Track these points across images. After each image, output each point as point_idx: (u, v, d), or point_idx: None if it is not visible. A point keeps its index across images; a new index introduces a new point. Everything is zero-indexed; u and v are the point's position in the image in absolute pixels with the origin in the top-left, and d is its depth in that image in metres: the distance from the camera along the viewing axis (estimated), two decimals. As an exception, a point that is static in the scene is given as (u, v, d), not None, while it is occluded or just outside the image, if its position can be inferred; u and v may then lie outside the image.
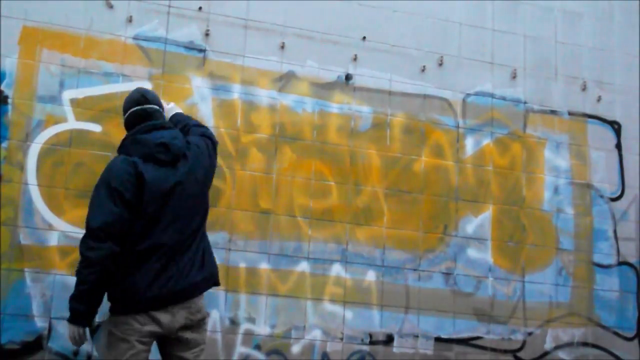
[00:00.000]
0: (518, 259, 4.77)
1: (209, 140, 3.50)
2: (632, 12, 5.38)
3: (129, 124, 3.33)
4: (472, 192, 4.77)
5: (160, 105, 3.42)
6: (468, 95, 4.89)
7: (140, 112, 3.30)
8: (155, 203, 3.06)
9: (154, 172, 3.08)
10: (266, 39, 4.56)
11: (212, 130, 4.33)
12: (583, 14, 5.26)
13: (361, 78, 4.70)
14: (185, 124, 3.63)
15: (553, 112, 5.06)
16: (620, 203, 5.05)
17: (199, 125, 3.67)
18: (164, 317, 3.06)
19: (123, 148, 3.23)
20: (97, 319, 3.99)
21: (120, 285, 3.04)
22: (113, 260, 2.97)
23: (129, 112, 3.34)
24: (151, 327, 3.05)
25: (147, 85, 4.28)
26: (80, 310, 3.02)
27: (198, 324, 3.22)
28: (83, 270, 2.97)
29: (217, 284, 3.36)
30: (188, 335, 3.17)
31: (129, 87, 4.23)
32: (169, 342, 3.19)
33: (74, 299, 3.03)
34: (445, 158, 4.77)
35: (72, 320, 3.06)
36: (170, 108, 3.80)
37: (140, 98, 3.33)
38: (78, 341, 3.10)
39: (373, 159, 4.63)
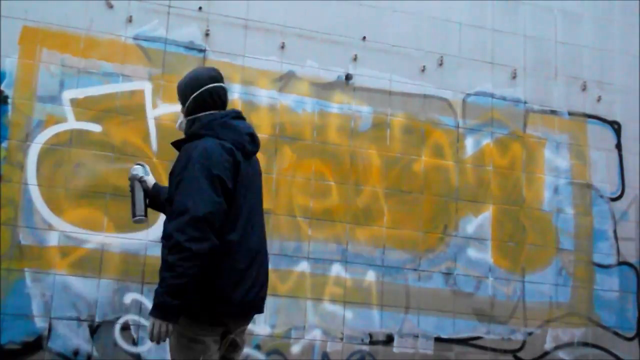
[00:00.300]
0: (518, 259, 4.77)
1: None
2: (632, 12, 5.38)
3: (200, 103, 2.87)
4: (472, 192, 4.77)
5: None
6: (468, 95, 4.89)
7: (219, 89, 2.89)
8: (239, 197, 2.77)
9: (244, 163, 2.80)
10: (266, 39, 4.56)
11: (212, 130, 4.34)
12: (583, 14, 5.26)
13: (361, 78, 4.70)
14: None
15: (553, 112, 5.06)
16: (620, 203, 5.05)
17: None
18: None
19: (211, 130, 2.82)
20: (98, 318, 4.00)
21: (208, 287, 2.74)
22: (211, 255, 2.66)
23: (204, 88, 2.87)
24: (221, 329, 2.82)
25: (147, 85, 4.29)
26: (175, 305, 2.65)
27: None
28: (183, 263, 2.60)
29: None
30: (239, 338, 2.91)
31: (129, 87, 4.25)
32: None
33: (167, 294, 2.65)
34: (445, 158, 4.77)
35: (162, 316, 2.68)
36: (151, 179, 3.30)
37: (216, 75, 2.93)
38: (163, 338, 2.75)
39: (373, 159, 4.63)
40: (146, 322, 4.06)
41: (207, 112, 2.88)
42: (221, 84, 2.92)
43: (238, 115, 2.93)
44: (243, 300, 2.74)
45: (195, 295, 2.70)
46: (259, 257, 2.82)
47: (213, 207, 2.63)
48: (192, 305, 2.73)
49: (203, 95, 2.88)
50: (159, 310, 2.66)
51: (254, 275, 2.77)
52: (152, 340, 2.73)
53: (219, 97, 2.90)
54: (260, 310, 2.90)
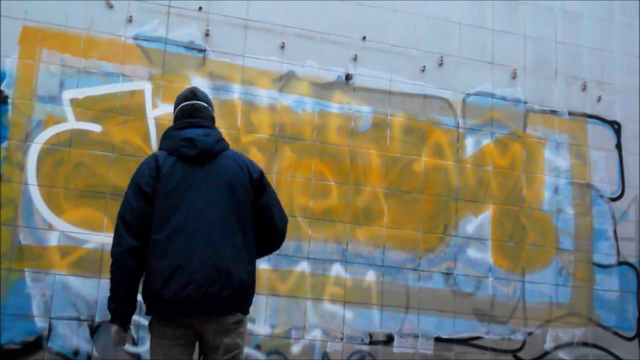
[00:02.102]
0: (518, 259, 4.77)
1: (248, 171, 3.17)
2: (632, 12, 5.38)
3: (176, 121, 3.18)
4: (472, 192, 4.77)
5: (210, 103, 3.27)
6: (468, 95, 4.89)
7: (188, 107, 3.15)
8: (167, 198, 2.92)
9: (173, 167, 2.96)
10: (266, 39, 4.56)
11: (212, 130, 4.34)
12: (583, 14, 5.26)
13: (361, 78, 4.70)
14: None
15: (553, 112, 5.06)
16: (620, 203, 5.05)
17: None
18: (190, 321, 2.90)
19: (160, 143, 3.17)
20: (98, 318, 3.99)
21: (144, 285, 2.93)
22: (134, 256, 2.87)
23: (177, 107, 3.19)
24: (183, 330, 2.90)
25: (147, 85, 4.29)
26: (112, 308, 2.97)
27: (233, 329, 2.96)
28: (110, 268, 2.95)
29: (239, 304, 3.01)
30: (216, 339, 2.91)
31: (129, 87, 4.25)
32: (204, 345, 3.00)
33: (108, 298, 2.98)
34: (445, 158, 4.77)
35: (111, 319, 2.99)
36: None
37: (188, 94, 3.21)
38: (117, 340, 2.98)
39: (373, 159, 4.63)
40: (147, 322, 4.07)
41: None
42: (192, 102, 3.17)
43: (189, 125, 3.09)
44: (176, 297, 2.80)
45: (129, 296, 2.93)
46: (200, 255, 2.84)
47: (126, 212, 2.92)
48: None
49: (177, 114, 3.19)
50: (109, 314, 2.98)
51: (190, 273, 2.81)
52: (113, 343, 3.01)
53: (189, 114, 3.14)
54: (217, 307, 2.86)
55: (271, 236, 3.19)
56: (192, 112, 3.15)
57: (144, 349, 4.04)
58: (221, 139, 3.13)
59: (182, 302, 2.81)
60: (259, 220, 3.08)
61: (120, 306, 2.95)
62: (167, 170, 2.96)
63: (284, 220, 3.23)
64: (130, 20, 4.31)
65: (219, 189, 2.99)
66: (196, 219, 2.91)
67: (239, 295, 2.91)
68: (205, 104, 3.22)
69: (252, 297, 3.04)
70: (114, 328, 2.97)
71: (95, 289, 4.02)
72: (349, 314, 4.40)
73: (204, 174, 3.00)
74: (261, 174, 3.15)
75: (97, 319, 4.00)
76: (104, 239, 4.07)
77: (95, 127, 4.17)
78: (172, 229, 2.88)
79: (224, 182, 3.01)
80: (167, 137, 3.10)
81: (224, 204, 2.98)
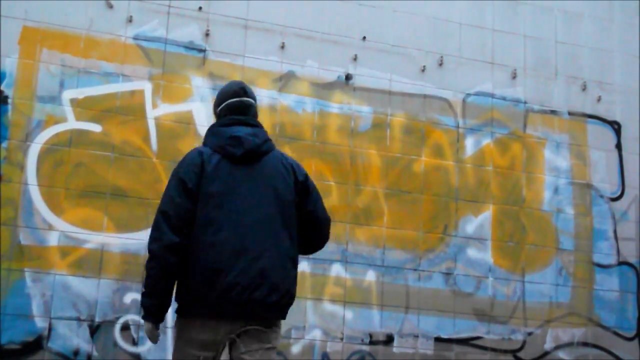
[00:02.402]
0: (518, 259, 4.77)
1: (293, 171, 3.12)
2: (632, 12, 5.38)
3: (221, 117, 3.06)
4: (472, 192, 4.77)
5: (256, 101, 3.19)
6: (468, 95, 4.89)
7: (236, 104, 3.05)
8: (211, 198, 2.82)
9: (217, 165, 2.86)
10: (266, 39, 4.56)
11: (212, 130, 4.34)
12: (583, 14, 5.26)
13: (361, 78, 4.70)
14: None
15: (553, 112, 5.06)
16: (620, 203, 5.05)
17: None
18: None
19: (204, 139, 3.03)
20: (98, 318, 3.99)
21: (182, 285, 2.82)
22: (174, 252, 2.75)
23: (224, 103, 3.05)
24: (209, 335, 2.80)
25: (147, 85, 4.28)
26: (147, 304, 2.83)
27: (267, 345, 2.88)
28: (147, 264, 2.79)
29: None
30: (248, 355, 2.81)
31: (129, 87, 4.25)
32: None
33: (143, 294, 2.84)
34: (445, 158, 4.77)
35: (144, 316, 2.86)
36: None
37: (239, 90, 3.08)
38: (150, 337, 2.89)
39: (373, 159, 4.63)
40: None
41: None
42: (241, 99, 3.06)
43: (237, 122, 2.98)
44: (220, 300, 2.71)
45: (165, 293, 2.80)
46: (245, 258, 2.75)
47: (168, 207, 2.77)
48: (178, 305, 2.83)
49: (222, 110, 3.06)
50: (142, 311, 2.84)
51: (235, 275, 2.72)
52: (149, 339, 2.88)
53: (237, 112, 3.03)
54: (261, 312, 2.79)
55: (317, 239, 3.11)
56: (241, 109, 3.04)
57: (144, 349, 4.04)
58: (268, 139, 3.01)
59: (226, 305, 2.72)
60: (304, 223, 2.99)
61: (155, 303, 2.82)
62: (212, 168, 2.84)
63: (328, 223, 3.12)
64: (130, 20, 4.31)
65: (265, 191, 2.90)
66: (241, 220, 2.82)
67: (285, 301, 2.84)
68: (254, 102, 3.12)
69: (292, 303, 2.95)
70: (148, 325, 2.85)
71: (95, 289, 4.02)
72: (349, 314, 4.40)
73: (250, 175, 2.90)
74: (306, 177, 3.05)
75: (97, 319, 4.00)
76: (104, 239, 4.08)
77: (95, 127, 4.17)
78: (216, 230, 2.78)
79: (269, 184, 2.91)
80: (213, 134, 2.96)
81: (270, 206, 2.89)
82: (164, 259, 2.74)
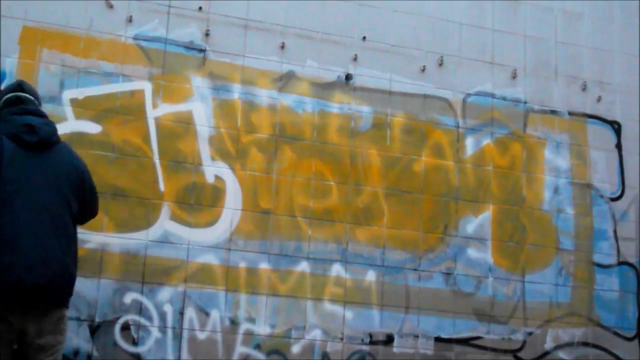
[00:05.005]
0: (518, 259, 4.77)
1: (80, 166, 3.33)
2: (632, 12, 5.38)
3: (2, 110, 3.23)
4: (472, 192, 4.77)
5: (37, 98, 3.35)
6: (468, 95, 4.89)
7: (13, 98, 3.21)
8: (8, 183, 2.95)
9: (15, 151, 2.99)
10: (266, 39, 4.56)
11: (212, 130, 4.35)
12: (583, 14, 5.26)
13: (361, 78, 4.70)
14: None
15: (553, 112, 5.06)
16: (620, 203, 5.05)
17: None
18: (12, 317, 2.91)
19: None
20: (98, 318, 3.99)
21: None
22: None
23: (2, 99, 3.24)
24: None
25: (147, 85, 4.29)
26: None
27: (56, 326, 3.04)
28: None
29: (65, 291, 3.12)
30: (43, 341, 2.98)
31: (129, 87, 4.25)
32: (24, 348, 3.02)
33: None
34: (445, 158, 4.77)
35: None
36: None
37: (16, 87, 3.27)
38: None
39: (373, 159, 4.63)
40: (147, 322, 4.07)
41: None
42: (17, 93, 3.22)
43: (26, 112, 3.16)
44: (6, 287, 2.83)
45: None
46: (29, 245, 2.91)
47: None
48: None
49: (1, 105, 3.21)
50: None
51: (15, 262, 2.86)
52: None
53: (14, 105, 3.19)
54: (31, 297, 2.91)
55: (85, 220, 3.41)
56: (17, 103, 3.20)
57: (144, 349, 4.04)
58: (57, 131, 3.23)
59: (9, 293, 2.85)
60: (82, 208, 3.24)
61: None
62: (9, 155, 2.98)
63: (97, 208, 3.42)
64: (130, 20, 4.31)
65: (56, 180, 3.09)
66: (31, 208, 2.97)
67: (58, 282, 3.00)
68: (33, 98, 3.29)
69: (72, 288, 3.13)
70: None
71: (95, 289, 4.01)
72: (349, 314, 4.40)
73: (42, 163, 3.07)
74: (86, 169, 3.30)
75: (97, 319, 4.00)
76: (104, 239, 4.08)
77: (95, 127, 4.17)
78: (9, 219, 2.92)
79: (60, 173, 3.11)
80: (4, 122, 3.11)
81: (58, 195, 3.09)
82: None
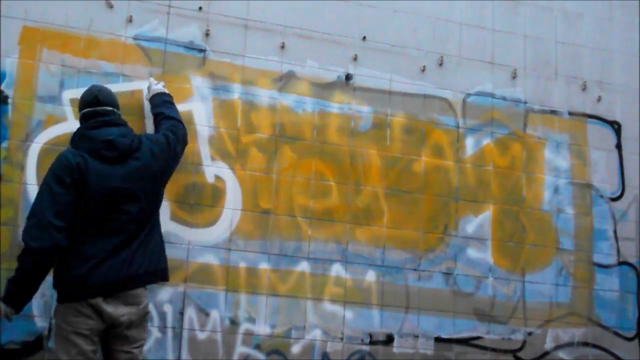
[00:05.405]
0: (518, 259, 4.77)
1: (171, 135, 3.70)
2: (632, 12, 5.38)
3: (82, 122, 3.52)
4: (472, 192, 4.77)
5: (115, 105, 3.58)
6: (468, 95, 4.89)
7: (89, 114, 3.47)
8: (97, 198, 3.23)
9: (99, 168, 3.25)
10: (266, 39, 4.56)
11: (212, 130, 4.34)
12: (583, 14, 5.26)
13: (361, 78, 4.70)
14: (159, 114, 3.87)
15: (553, 112, 5.06)
16: (620, 203, 5.05)
17: (170, 118, 3.86)
18: (106, 307, 3.26)
19: (72, 142, 3.41)
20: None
21: (63, 274, 3.28)
22: (57, 253, 3.20)
23: (81, 112, 3.52)
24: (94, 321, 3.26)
25: (147, 85, 4.28)
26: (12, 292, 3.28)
27: (141, 322, 3.44)
28: (23, 259, 3.21)
29: (164, 279, 3.57)
30: (129, 332, 3.38)
31: (129, 87, 4.25)
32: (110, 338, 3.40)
33: (10, 281, 3.28)
34: (445, 158, 4.77)
35: (3, 299, 3.30)
36: (157, 88, 4.01)
37: (92, 100, 3.49)
38: (7, 319, 3.33)
39: (373, 159, 4.63)
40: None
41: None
42: (95, 109, 3.48)
43: (104, 124, 3.39)
44: (102, 282, 3.25)
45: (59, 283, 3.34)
46: (123, 247, 3.30)
47: (58, 207, 3.21)
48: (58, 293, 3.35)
49: (81, 118, 3.52)
50: (5, 294, 3.28)
51: (115, 261, 3.28)
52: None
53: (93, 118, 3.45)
54: (127, 287, 3.32)
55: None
56: (101, 113, 3.48)
57: (144, 348, 4.04)
58: (136, 136, 3.50)
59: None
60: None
61: (23, 293, 3.29)
62: (93, 172, 3.24)
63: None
64: (130, 20, 4.31)
65: (141, 184, 3.42)
66: (123, 217, 3.32)
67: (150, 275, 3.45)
68: (111, 108, 3.53)
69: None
70: (7, 309, 3.26)
71: (95, 289, 4.01)
72: (349, 314, 4.41)
73: (126, 173, 3.34)
74: (164, 139, 3.74)
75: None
76: (104, 239, 4.07)
77: (95, 127, 4.17)
78: (98, 231, 3.32)
79: (142, 175, 3.42)
80: (83, 138, 3.37)
81: (147, 203, 3.48)
82: (43, 257, 3.21)
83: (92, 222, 3.25)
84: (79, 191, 3.19)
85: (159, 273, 3.51)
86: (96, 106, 3.45)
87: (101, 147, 3.27)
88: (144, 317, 3.46)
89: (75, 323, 3.23)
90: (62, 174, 3.19)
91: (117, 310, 3.29)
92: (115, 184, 3.28)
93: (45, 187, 3.23)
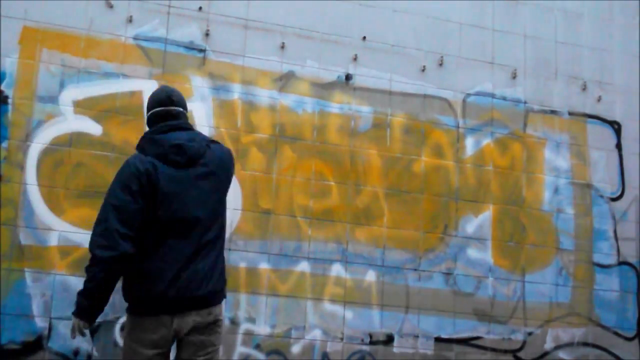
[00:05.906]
0: (518, 259, 4.77)
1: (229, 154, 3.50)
2: (632, 12, 5.38)
3: (150, 123, 3.34)
4: (472, 192, 4.78)
5: (185, 107, 3.41)
6: (468, 95, 4.90)
7: (162, 113, 3.31)
8: (168, 203, 3.07)
9: (169, 172, 3.11)
10: (266, 39, 4.56)
11: (212, 130, 4.35)
12: (583, 14, 5.26)
13: (361, 78, 4.70)
14: None
15: (553, 112, 5.06)
16: (620, 203, 5.05)
17: None
18: (175, 321, 3.10)
19: (139, 147, 3.24)
20: (98, 318, 3.99)
21: (136, 287, 3.10)
22: (126, 261, 3.01)
23: (151, 111, 3.34)
24: (162, 332, 3.08)
25: (148, 85, 4.28)
26: (83, 305, 3.11)
27: (209, 327, 3.21)
28: (92, 269, 3.03)
29: (223, 297, 3.39)
30: (196, 338, 3.17)
31: (129, 87, 4.25)
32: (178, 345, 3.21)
33: (81, 294, 3.11)
34: (445, 158, 4.77)
35: (76, 313, 3.13)
36: None
37: (165, 99, 3.33)
38: (77, 334, 3.15)
39: (373, 159, 4.63)
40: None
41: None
42: (167, 108, 3.32)
43: (172, 128, 3.24)
44: (173, 298, 3.07)
45: (132, 295, 3.13)
46: (193, 262, 3.13)
47: (120, 214, 3.04)
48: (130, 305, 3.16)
49: (150, 117, 3.36)
50: (76, 308, 3.12)
51: (188, 277, 3.11)
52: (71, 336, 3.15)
53: (164, 119, 3.30)
54: (200, 305, 3.16)
55: None
56: (167, 118, 3.31)
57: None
58: (204, 142, 3.30)
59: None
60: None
61: (95, 305, 3.11)
62: (163, 178, 3.10)
63: None
64: (130, 20, 4.32)
65: (210, 193, 3.27)
66: (191, 225, 3.15)
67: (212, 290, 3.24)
68: (182, 109, 3.37)
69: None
70: (80, 322, 3.10)
71: (95, 289, 4.01)
72: (349, 314, 4.41)
73: (195, 179, 3.19)
74: (232, 161, 3.53)
75: (97, 319, 3.99)
76: (104, 239, 4.07)
77: (95, 127, 4.17)
78: (171, 243, 3.11)
79: (211, 183, 3.28)
80: (151, 142, 3.21)
81: (214, 212, 3.30)
82: (114, 267, 3.02)
83: (163, 228, 3.09)
84: (148, 197, 3.04)
85: (222, 293, 3.35)
86: (170, 106, 3.30)
87: (170, 151, 3.13)
88: (214, 323, 3.24)
89: (146, 333, 3.10)
90: (128, 182, 3.03)
91: (185, 318, 3.13)
92: (186, 188, 3.12)
93: (111, 195, 3.05)
